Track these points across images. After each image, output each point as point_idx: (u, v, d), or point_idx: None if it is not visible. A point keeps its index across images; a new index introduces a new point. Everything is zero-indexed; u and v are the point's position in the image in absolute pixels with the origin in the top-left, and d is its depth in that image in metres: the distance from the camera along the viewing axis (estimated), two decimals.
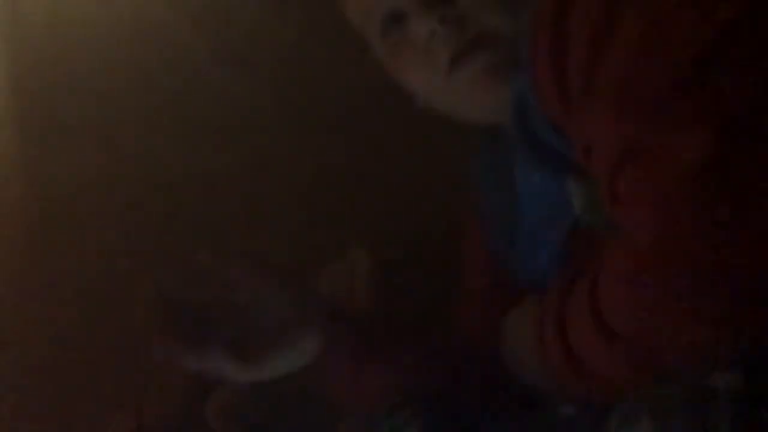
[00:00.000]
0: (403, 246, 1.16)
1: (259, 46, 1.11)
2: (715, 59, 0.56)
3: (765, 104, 0.54)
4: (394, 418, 0.76)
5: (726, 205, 0.53)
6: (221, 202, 1.22)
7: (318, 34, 1.08)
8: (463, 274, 0.97)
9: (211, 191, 1.23)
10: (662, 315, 0.58)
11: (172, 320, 0.76)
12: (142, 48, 1.17)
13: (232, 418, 1.00)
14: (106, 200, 1.23)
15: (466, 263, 0.96)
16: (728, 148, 0.53)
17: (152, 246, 1.23)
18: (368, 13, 0.81)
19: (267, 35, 1.06)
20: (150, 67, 1.19)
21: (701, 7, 0.57)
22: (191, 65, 1.17)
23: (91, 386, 1.16)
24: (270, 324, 0.79)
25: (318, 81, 0.94)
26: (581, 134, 0.64)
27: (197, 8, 1.15)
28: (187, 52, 1.15)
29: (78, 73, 1.19)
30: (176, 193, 1.23)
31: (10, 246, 1.22)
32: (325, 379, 0.85)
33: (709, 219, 0.54)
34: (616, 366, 0.62)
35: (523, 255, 0.84)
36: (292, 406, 0.99)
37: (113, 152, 1.23)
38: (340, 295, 1.09)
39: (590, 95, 0.61)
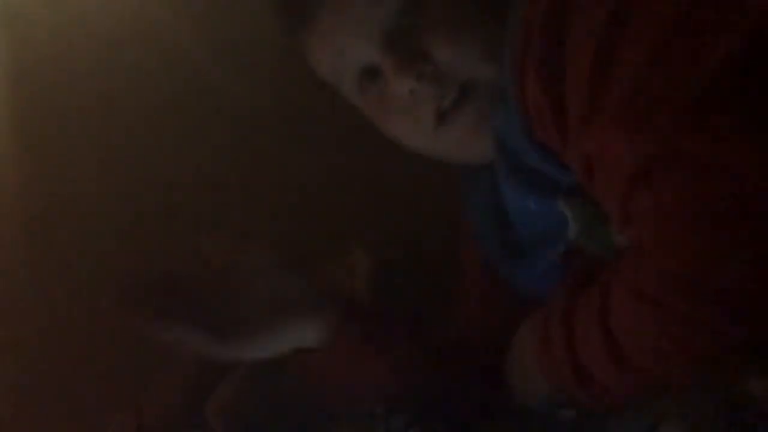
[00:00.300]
0: (403, 246, 1.16)
1: (259, 46, 1.11)
2: (744, 66, 0.53)
3: None
4: (393, 421, 0.75)
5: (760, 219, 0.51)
6: (221, 202, 1.22)
7: None
8: (462, 276, 0.96)
9: (210, 191, 1.23)
10: (683, 335, 0.55)
11: (149, 287, 0.76)
12: (142, 48, 1.17)
13: (232, 418, 1.00)
14: (105, 200, 1.23)
15: (464, 265, 0.96)
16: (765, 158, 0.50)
17: (152, 246, 1.23)
18: (342, 71, 0.78)
19: (267, 35, 1.06)
20: (150, 67, 1.18)
21: (726, 9, 0.54)
22: (191, 65, 1.17)
23: (91, 386, 1.16)
24: (264, 304, 0.78)
25: (318, 80, 0.93)
26: (581, 155, 0.62)
27: (197, 8, 1.15)
28: (187, 52, 1.15)
29: (78, 72, 1.19)
30: (176, 192, 1.23)
31: (10, 245, 1.22)
32: (324, 374, 0.84)
33: (743, 234, 0.51)
34: (621, 379, 0.61)
35: (518, 266, 0.82)
36: (292, 406, 0.99)
37: (113, 152, 1.23)
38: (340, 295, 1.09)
39: (597, 114, 0.59)
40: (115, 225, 1.22)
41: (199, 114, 1.20)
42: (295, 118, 1.12)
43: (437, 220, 1.18)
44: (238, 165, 1.22)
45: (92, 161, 1.21)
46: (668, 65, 0.56)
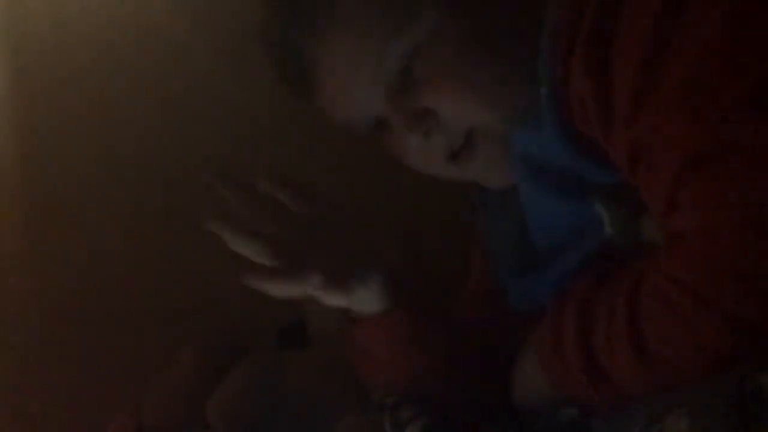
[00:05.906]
0: (403, 244, 1.16)
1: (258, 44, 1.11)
2: None
3: None
4: (397, 415, 0.76)
5: None
6: (220, 201, 1.22)
7: None
8: (466, 278, 0.96)
9: (210, 189, 1.23)
10: (715, 329, 0.54)
11: None
12: (142, 47, 1.17)
13: (232, 418, 1.00)
14: (105, 199, 1.23)
15: (471, 270, 0.95)
16: None
17: (151, 245, 1.23)
18: (353, 122, 0.79)
19: None
20: (150, 65, 1.19)
21: None
22: (191, 64, 1.17)
23: (91, 386, 1.16)
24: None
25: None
26: (629, 141, 0.60)
27: (197, 7, 1.16)
28: (187, 51, 1.15)
29: (78, 71, 1.19)
30: (175, 191, 1.23)
31: (10, 244, 1.22)
32: (363, 350, 0.84)
33: None
34: (642, 377, 0.60)
35: (529, 278, 0.80)
36: (292, 406, 0.99)
37: (113, 151, 1.23)
38: None
39: (651, 98, 0.58)
40: (115, 223, 1.22)
41: (199, 113, 1.20)
42: (296, 117, 1.12)
43: (437, 221, 1.18)
44: (238, 164, 1.22)
45: (92, 159, 1.22)
46: (728, 54, 0.55)
